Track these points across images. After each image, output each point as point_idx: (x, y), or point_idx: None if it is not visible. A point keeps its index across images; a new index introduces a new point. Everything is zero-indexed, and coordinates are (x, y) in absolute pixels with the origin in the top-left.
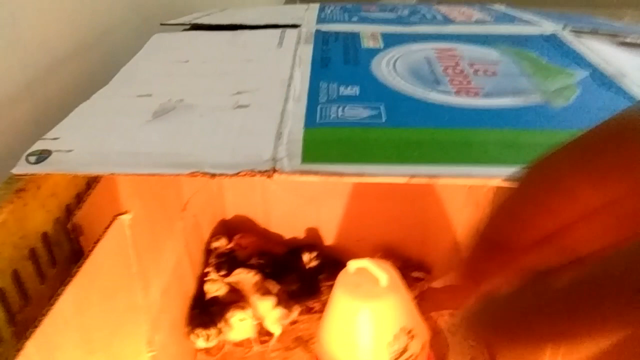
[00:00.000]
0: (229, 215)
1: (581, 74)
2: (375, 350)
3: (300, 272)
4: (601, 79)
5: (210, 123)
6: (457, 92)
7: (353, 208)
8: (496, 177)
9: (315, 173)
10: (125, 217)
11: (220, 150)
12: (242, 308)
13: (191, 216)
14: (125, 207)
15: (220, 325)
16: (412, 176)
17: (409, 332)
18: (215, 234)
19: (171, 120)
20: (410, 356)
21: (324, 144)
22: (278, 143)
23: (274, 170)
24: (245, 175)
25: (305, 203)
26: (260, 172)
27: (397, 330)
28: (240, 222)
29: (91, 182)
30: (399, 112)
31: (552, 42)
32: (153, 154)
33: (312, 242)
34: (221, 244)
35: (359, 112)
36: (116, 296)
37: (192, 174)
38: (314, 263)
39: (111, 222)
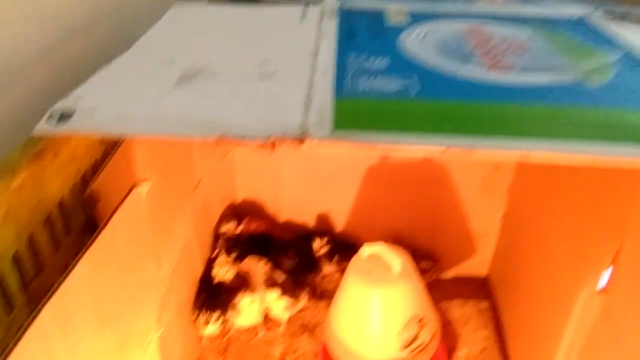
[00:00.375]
0: (239, 198)
1: (615, 55)
2: (385, 337)
3: (294, 250)
4: (635, 61)
5: (236, 90)
6: (490, 68)
7: (364, 194)
8: (536, 150)
9: (348, 140)
10: (142, 188)
11: (248, 116)
12: (252, 291)
13: (201, 197)
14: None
15: (228, 310)
16: (449, 146)
17: (420, 320)
18: (224, 217)
19: (196, 86)
20: (420, 345)
21: (355, 113)
22: (307, 111)
23: (305, 137)
24: (275, 141)
25: (317, 188)
26: (291, 137)
27: (408, 318)
28: (249, 205)
29: (109, 150)
30: (430, 85)
31: (582, 25)
32: (179, 116)
33: (321, 228)
34: (230, 227)
35: (390, 84)
36: (130, 269)
37: (220, 138)
38: (324, 249)
39: (128, 192)
